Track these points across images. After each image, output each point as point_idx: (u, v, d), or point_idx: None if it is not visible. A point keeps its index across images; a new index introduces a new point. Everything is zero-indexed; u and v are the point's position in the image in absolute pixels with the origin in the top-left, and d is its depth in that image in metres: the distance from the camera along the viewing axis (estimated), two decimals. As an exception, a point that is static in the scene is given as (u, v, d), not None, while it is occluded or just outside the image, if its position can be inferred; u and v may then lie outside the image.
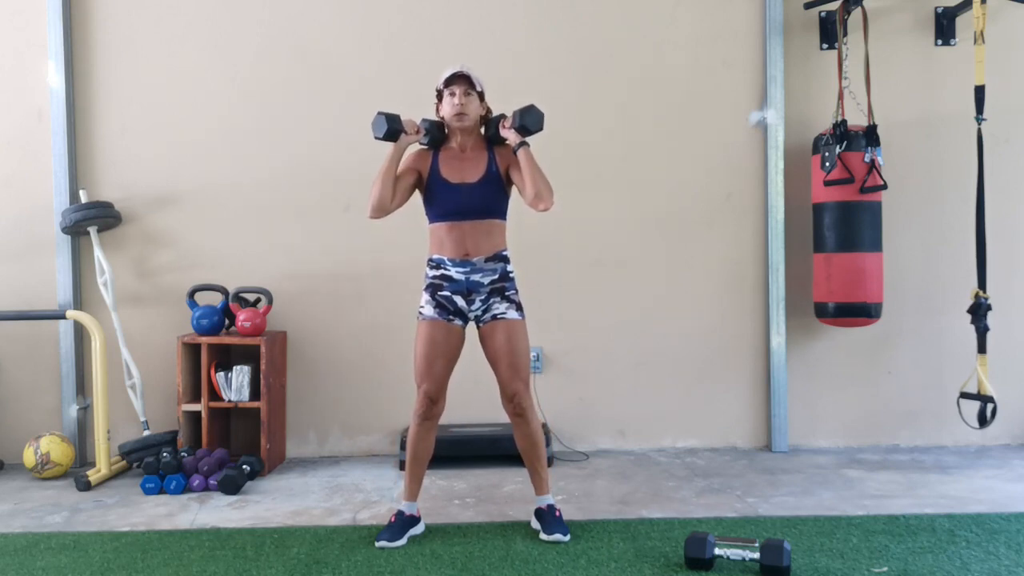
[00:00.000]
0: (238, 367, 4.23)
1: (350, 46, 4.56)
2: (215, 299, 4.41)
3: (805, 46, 4.61)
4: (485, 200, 3.22)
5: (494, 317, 3.22)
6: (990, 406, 4.10)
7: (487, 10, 4.57)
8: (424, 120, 3.27)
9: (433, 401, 3.20)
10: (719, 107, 4.61)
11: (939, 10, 4.58)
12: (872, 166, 4.24)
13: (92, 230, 4.36)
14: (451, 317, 3.24)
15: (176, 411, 4.29)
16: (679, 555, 3.01)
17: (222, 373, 4.23)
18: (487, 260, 3.22)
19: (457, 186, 3.20)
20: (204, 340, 4.25)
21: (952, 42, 4.59)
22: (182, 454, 4.05)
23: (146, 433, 4.34)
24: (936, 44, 4.61)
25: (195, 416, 4.29)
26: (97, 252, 4.34)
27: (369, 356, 4.56)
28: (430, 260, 3.28)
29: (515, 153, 3.19)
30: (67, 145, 4.43)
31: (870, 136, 4.25)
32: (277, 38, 4.55)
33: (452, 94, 3.18)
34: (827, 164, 4.27)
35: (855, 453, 4.50)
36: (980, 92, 4.15)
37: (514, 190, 3.30)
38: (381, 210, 3.19)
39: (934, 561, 2.96)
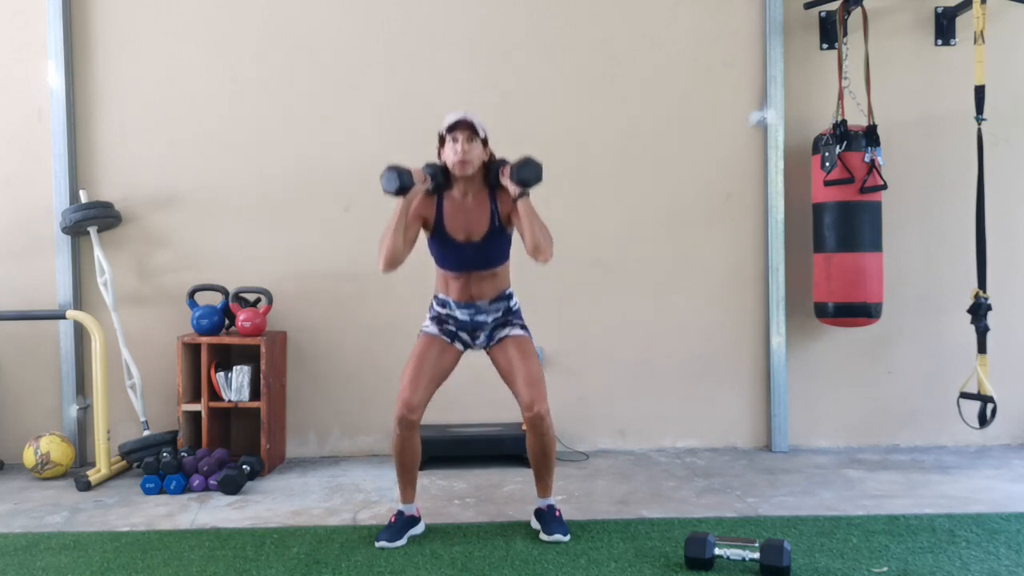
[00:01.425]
0: (238, 367, 4.23)
1: (350, 46, 4.56)
2: (215, 299, 4.41)
3: (805, 46, 4.61)
4: (490, 255, 3.25)
5: (501, 339, 3.26)
6: (990, 406, 4.10)
7: (487, 10, 4.57)
8: (427, 166, 3.23)
9: (411, 410, 3.17)
10: (719, 107, 4.61)
11: (939, 10, 4.58)
12: (872, 166, 4.24)
13: (92, 230, 4.36)
14: (453, 340, 3.28)
15: (176, 411, 4.29)
16: (679, 555, 3.01)
17: (222, 373, 4.23)
18: (491, 302, 3.27)
19: (462, 245, 3.21)
20: (204, 340, 4.25)
21: (952, 42, 4.59)
22: (182, 454, 4.05)
23: (146, 433, 4.34)
24: (936, 44, 4.61)
25: (195, 416, 4.29)
26: (97, 252, 4.34)
27: (369, 356, 4.56)
28: (436, 298, 3.32)
29: (514, 203, 3.17)
30: (67, 145, 4.43)
31: (870, 136, 4.26)
32: (277, 38, 4.55)
33: (455, 140, 3.15)
34: (827, 164, 4.27)
35: (855, 453, 4.50)
36: (980, 92, 4.15)
37: None
38: (394, 264, 3.15)
39: (934, 561, 2.96)
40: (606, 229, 4.60)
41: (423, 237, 3.29)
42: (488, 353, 3.31)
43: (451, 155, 3.16)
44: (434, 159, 3.26)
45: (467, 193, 3.23)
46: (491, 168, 3.23)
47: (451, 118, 3.16)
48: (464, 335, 3.29)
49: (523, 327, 3.30)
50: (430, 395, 3.22)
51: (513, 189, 3.15)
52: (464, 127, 3.14)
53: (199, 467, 4.00)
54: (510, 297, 3.31)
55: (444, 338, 3.27)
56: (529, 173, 3.13)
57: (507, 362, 3.23)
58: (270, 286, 4.41)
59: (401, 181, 3.12)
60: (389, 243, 3.13)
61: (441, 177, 3.22)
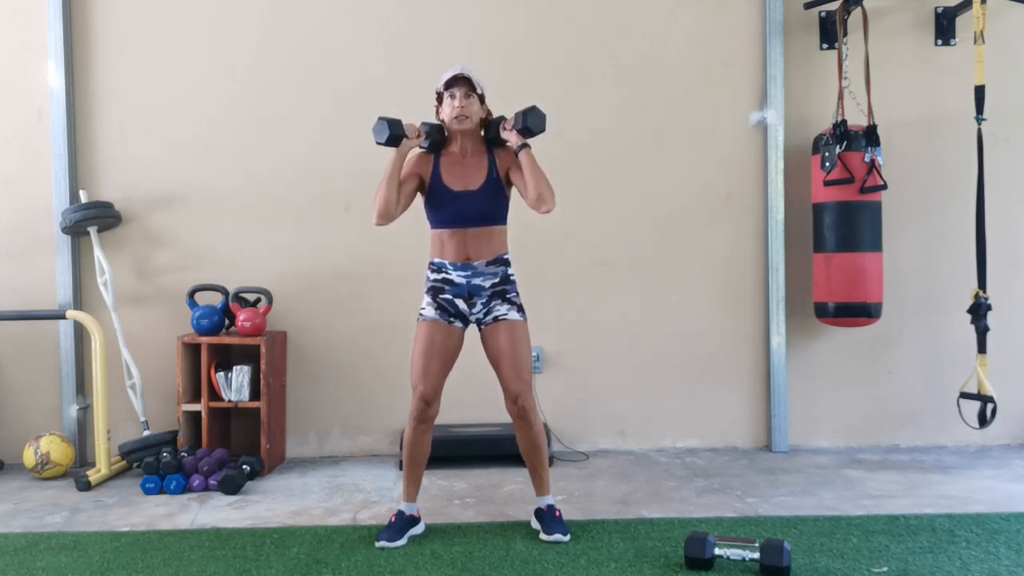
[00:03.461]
0: (238, 367, 4.23)
1: (350, 46, 4.56)
2: (215, 299, 4.41)
3: (805, 46, 4.61)
4: (486, 207, 3.23)
5: (495, 319, 3.23)
6: (990, 406, 4.10)
7: (487, 10, 4.57)
8: (424, 123, 3.26)
9: (428, 403, 3.19)
10: (719, 107, 4.61)
11: (939, 10, 4.58)
12: (872, 166, 4.24)
13: (92, 230, 4.36)
14: (452, 319, 3.25)
15: (176, 411, 4.29)
16: (679, 555, 3.01)
17: (222, 373, 4.23)
18: (488, 264, 3.23)
19: (459, 194, 3.20)
20: (204, 340, 4.25)
21: (952, 42, 4.59)
22: (182, 454, 4.05)
23: (146, 433, 4.34)
24: (936, 44, 4.61)
25: (195, 416, 4.29)
26: (97, 252, 4.34)
27: (369, 356, 4.56)
28: (431, 264, 3.29)
29: (516, 154, 3.18)
30: (67, 145, 4.43)
31: (870, 136, 4.26)
32: (276, 38, 4.55)
33: (452, 96, 3.17)
34: (827, 164, 4.27)
35: (855, 453, 4.50)
36: (980, 92, 4.15)
37: (514, 191, 3.30)
38: (387, 216, 3.17)
39: (934, 561, 2.96)
40: (606, 229, 4.60)
41: (420, 209, 3.28)
42: (481, 332, 3.28)
43: (448, 110, 3.17)
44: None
45: (465, 150, 3.24)
46: (490, 125, 3.24)
47: (448, 74, 3.16)
48: (461, 304, 3.23)
49: (520, 309, 3.26)
50: (443, 382, 3.22)
51: (515, 140, 3.16)
52: (462, 82, 3.14)
53: (199, 467, 4.00)
54: (507, 264, 3.27)
55: (443, 320, 3.24)
56: (534, 120, 3.15)
57: (497, 346, 3.21)
58: (270, 286, 4.41)
59: (392, 130, 3.14)
60: (383, 195, 3.14)
61: (437, 135, 3.23)
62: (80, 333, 4.48)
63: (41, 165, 4.47)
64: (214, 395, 4.25)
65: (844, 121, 4.26)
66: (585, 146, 4.58)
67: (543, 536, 3.22)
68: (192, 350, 4.30)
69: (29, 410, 4.51)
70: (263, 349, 4.20)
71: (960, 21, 4.56)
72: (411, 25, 4.56)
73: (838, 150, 4.23)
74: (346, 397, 4.58)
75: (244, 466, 4.03)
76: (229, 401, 4.24)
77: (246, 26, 4.55)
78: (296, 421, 4.58)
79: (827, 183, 4.29)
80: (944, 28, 4.58)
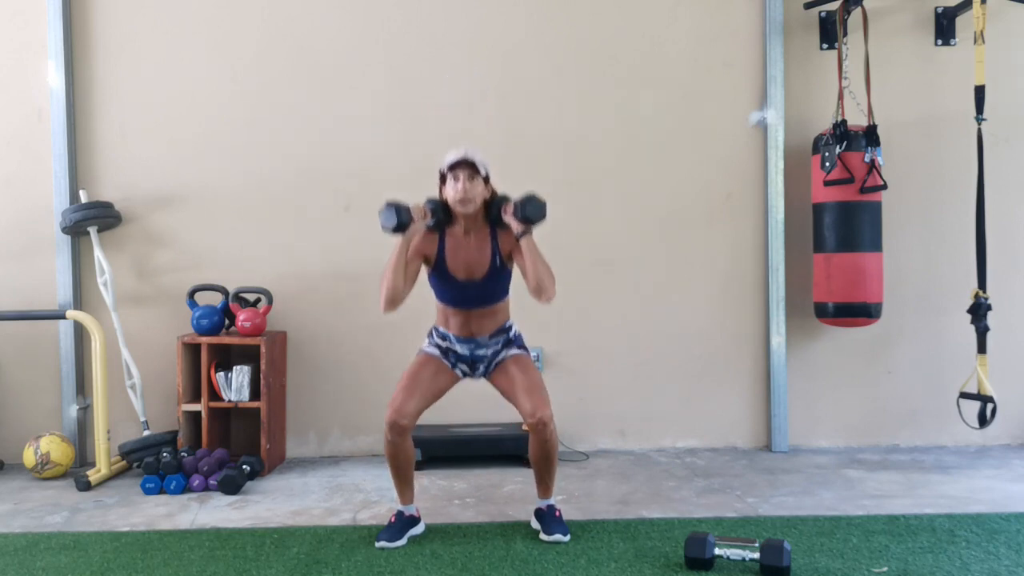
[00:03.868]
0: (238, 367, 4.23)
1: (350, 46, 4.56)
2: (215, 299, 4.41)
3: (805, 46, 4.61)
4: (490, 292, 3.25)
5: (499, 363, 3.28)
6: (990, 406, 4.10)
7: (487, 10, 4.57)
8: (428, 201, 3.20)
9: (402, 416, 3.16)
10: (719, 107, 4.61)
11: (939, 10, 4.58)
12: (872, 166, 4.24)
13: (92, 230, 4.36)
14: (453, 365, 3.30)
15: (176, 411, 4.29)
16: (679, 555, 3.01)
17: (222, 373, 4.23)
18: (492, 336, 3.28)
19: (463, 283, 3.21)
20: (204, 340, 4.25)
21: (952, 42, 4.59)
22: (182, 454, 4.05)
23: (146, 433, 4.34)
24: (936, 44, 4.61)
25: (195, 416, 4.29)
26: (97, 252, 4.34)
27: (369, 356, 4.56)
28: (436, 330, 3.33)
29: (518, 240, 3.16)
30: (67, 145, 4.43)
31: (870, 136, 4.25)
32: (276, 38, 4.55)
33: (456, 178, 3.12)
34: (827, 164, 4.27)
35: (855, 453, 4.50)
36: (980, 92, 4.15)
37: None
38: (395, 303, 3.13)
39: (934, 561, 2.96)
40: (606, 229, 4.60)
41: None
42: (489, 379, 3.33)
43: (452, 193, 3.13)
44: (435, 191, 3.25)
45: (468, 231, 3.21)
46: (493, 205, 3.20)
47: (452, 157, 3.13)
48: (463, 366, 3.31)
49: (521, 347, 3.32)
50: (422, 409, 3.21)
51: (516, 227, 3.13)
52: (465, 166, 3.11)
53: (199, 467, 4.00)
54: (510, 329, 3.32)
55: (444, 361, 3.28)
56: (534, 211, 3.10)
57: (507, 380, 3.24)
58: (270, 286, 4.41)
59: (400, 218, 3.08)
60: (389, 282, 3.10)
61: (442, 213, 3.19)
62: (80, 333, 4.48)
63: (41, 165, 4.47)
64: (214, 395, 4.25)
65: (844, 121, 4.26)
66: (585, 146, 4.58)
67: (543, 536, 3.22)
68: (192, 350, 4.30)
69: (29, 410, 4.51)
70: (263, 349, 4.20)
71: (960, 21, 4.56)
72: (411, 25, 4.56)
73: (838, 150, 4.23)
74: (346, 397, 4.58)
75: (244, 466, 4.03)
76: (229, 401, 4.24)
77: (246, 26, 4.55)
78: (296, 421, 4.58)
79: (827, 183, 4.29)
80: (944, 28, 4.58)
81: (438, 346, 3.31)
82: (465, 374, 3.32)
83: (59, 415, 4.50)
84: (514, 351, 3.29)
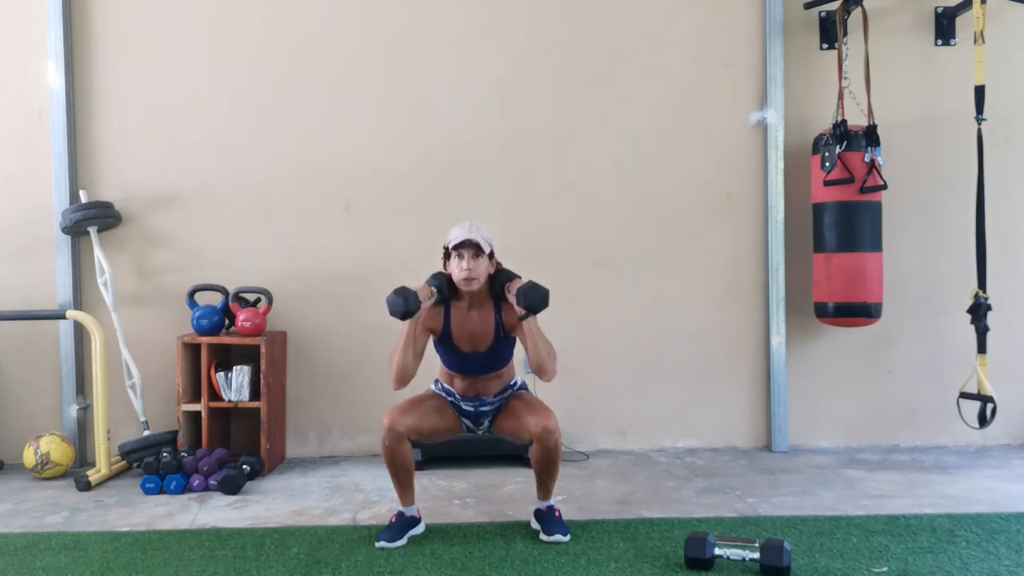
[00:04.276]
0: (238, 367, 4.23)
1: (350, 46, 4.56)
2: (215, 299, 4.41)
3: (805, 46, 4.61)
4: (495, 362, 3.30)
5: (500, 407, 3.34)
6: (990, 406, 4.10)
7: (487, 10, 4.57)
8: (433, 278, 3.22)
9: (398, 423, 3.17)
10: (719, 107, 4.61)
11: (939, 10, 4.58)
12: (872, 166, 4.24)
13: (92, 230, 4.35)
14: (459, 414, 3.35)
15: (176, 411, 4.29)
16: (679, 555, 3.01)
17: (222, 373, 4.23)
18: (496, 395, 3.33)
19: (469, 354, 3.26)
20: (204, 340, 4.25)
21: (952, 42, 4.59)
22: (182, 454, 4.05)
23: (146, 433, 4.34)
24: (936, 44, 4.61)
25: (195, 416, 4.29)
26: (97, 252, 4.34)
27: (369, 356, 4.55)
28: (442, 386, 3.38)
29: (520, 321, 3.16)
30: (67, 145, 4.43)
31: (870, 136, 4.25)
32: (277, 38, 4.55)
33: (460, 256, 3.14)
34: (827, 164, 4.27)
35: (855, 453, 4.50)
36: (980, 92, 4.15)
37: None
38: (405, 381, 3.18)
39: (934, 561, 2.96)
40: (606, 229, 4.60)
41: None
42: (492, 430, 3.38)
43: (457, 271, 3.16)
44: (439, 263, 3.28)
45: (473, 305, 3.24)
46: (497, 280, 3.22)
47: (457, 237, 3.14)
48: (468, 422, 3.37)
49: (523, 387, 3.40)
50: (418, 427, 3.22)
51: (519, 310, 3.14)
52: (470, 245, 3.13)
53: (199, 467, 4.00)
54: (514, 386, 3.38)
55: (452, 410, 3.34)
56: (536, 299, 3.11)
57: (509, 414, 3.29)
58: (270, 286, 4.41)
59: (407, 306, 3.09)
60: (399, 361, 3.15)
61: (447, 290, 3.21)
62: (80, 333, 4.48)
63: (41, 165, 4.47)
64: (214, 395, 4.25)
65: (844, 121, 4.26)
66: (585, 146, 4.58)
67: (543, 536, 3.22)
68: (192, 350, 4.30)
69: (29, 410, 4.51)
70: (263, 349, 4.20)
71: (960, 21, 4.56)
72: (411, 25, 4.56)
73: (838, 150, 4.23)
74: (346, 397, 4.58)
75: (244, 466, 4.03)
76: (229, 401, 4.24)
77: (246, 26, 4.55)
78: (296, 421, 4.58)
79: (827, 183, 4.29)
80: (944, 28, 4.58)
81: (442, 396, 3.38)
82: (469, 429, 3.38)
83: (59, 415, 4.50)
84: (514, 390, 3.37)
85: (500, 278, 3.22)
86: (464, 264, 3.13)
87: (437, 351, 3.34)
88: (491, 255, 3.20)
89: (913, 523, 3.35)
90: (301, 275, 4.56)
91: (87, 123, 4.52)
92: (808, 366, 4.62)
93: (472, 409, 3.33)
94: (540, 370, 3.17)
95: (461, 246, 3.14)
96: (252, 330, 4.24)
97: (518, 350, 3.32)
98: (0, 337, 4.49)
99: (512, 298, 3.15)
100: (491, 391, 3.33)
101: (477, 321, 3.24)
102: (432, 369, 3.42)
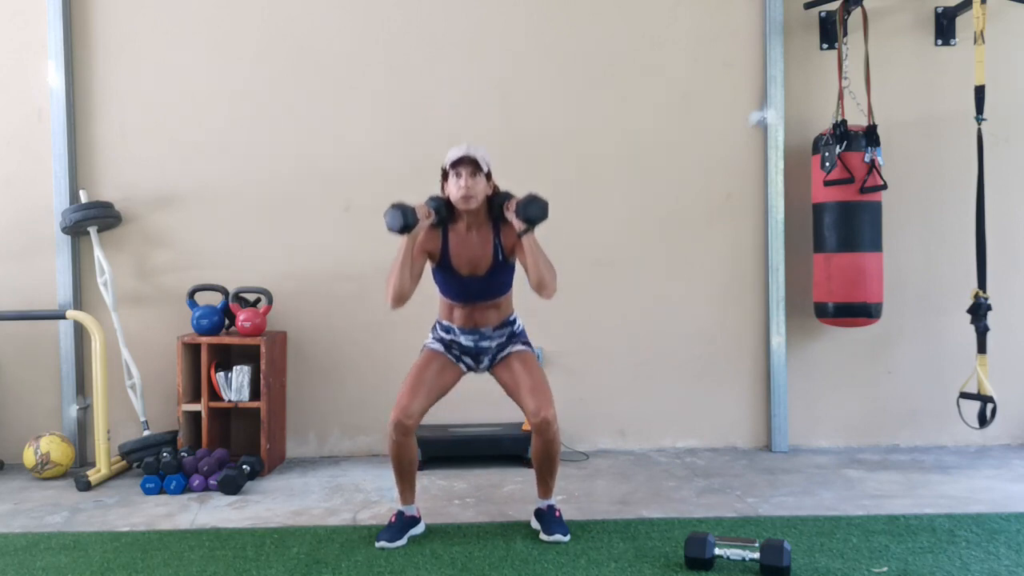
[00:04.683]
0: (238, 367, 4.23)
1: (350, 46, 4.56)
2: (215, 299, 4.41)
3: (805, 46, 4.61)
4: (493, 287, 3.27)
5: (503, 358, 3.28)
6: (990, 406, 4.10)
7: (487, 10, 4.57)
8: (431, 200, 3.22)
9: (407, 416, 3.16)
10: (719, 107, 4.61)
11: (939, 10, 4.58)
12: (872, 166, 4.24)
13: (92, 230, 4.35)
14: (458, 359, 3.31)
15: (176, 411, 4.29)
16: (679, 555, 3.01)
17: (222, 373, 4.23)
18: (496, 328, 3.29)
19: (467, 279, 3.23)
20: (204, 340, 4.25)
21: (952, 42, 4.59)
22: (182, 454, 4.05)
23: (146, 433, 4.34)
24: (936, 44, 4.61)
25: (195, 416, 4.29)
26: (97, 252, 4.34)
27: (369, 356, 4.56)
28: (440, 323, 3.34)
29: (519, 237, 3.17)
30: (67, 145, 4.43)
31: (870, 136, 4.25)
32: (277, 38, 4.55)
33: (458, 175, 3.14)
34: (827, 164, 4.27)
35: (855, 453, 4.50)
36: (980, 92, 4.15)
37: None
38: (401, 300, 3.17)
39: (934, 561, 2.96)
40: (606, 229, 4.60)
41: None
42: (493, 373, 3.33)
43: (455, 190, 3.15)
44: (437, 190, 3.26)
45: (471, 227, 3.23)
46: (495, 201, 3.22)
47: (454, 154, 3.15)
48: (468, 359, 3.32)
49: (527, 343, 3.33)
50: (427, 406, 3.23)
51: (518, 225, 3.14)
52: (467, 163, 3.13)
53: (199, 467, 4.00)
54: (514, 322, 3.34)
55: (448, 356, 3.30)
56: (535, 211, 3.12)
57: (511, 376, 3.25)
58: (270, 286, 4.41)
59: (405, 220, 3.11)
60: (396, 280, 3.14)
61: (445, 211, 3.21)
62: (80, 333, 4.48)
63: (41, 165, 4.47)
64: (214, 395, 4.25)
65: (844, 121, 4.26)
66: (585, 146, 4.58)
67: (543, 536, 3.22)
68: (192, 350, 4.30)
69: (29, 410, 4.51)
70: (263, 349, 4.20)
71: (960, 21, 4.56)
72: (411, 25, 4.56)
73: (838, 150, 4.23)
74: (346, 397, 4.58)
75: (244, 466, 4.03)
76: (229, 401, 4.24)
77: (246, 26, 4.55)
78: (296, 421, 4.58)
79: (827, 183, 4.29)
80: (944, 28, 4.58)
81: (441, 340, 3.32)
82: (469, 368, 3.33)
83: (59, 415, 4.50)
84: (519, 347, 3.30)
85: (498, 199, 3.22)
86: (462, 182, 3.13)
87: (436, 280, 3.30)
88: (488, 175, 3.20)
89: (913, 523, 3.35)
90: (301, 275, 4.56)
91: (87, 123, 4.52)
92: (808, 366, 4.62)
93: (472, 344, 3.28)
94: (540, 286, 3.14)
95: (459, 163, 3.14)
96: (252, 330, 4.24)
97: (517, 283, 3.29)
98: (0, 337, 4.49)
99: (510, 216, 3.15)
100: (490, 322, 3.27)
101: (475, 243, 3.22)
102: (421, 333, 3.41)
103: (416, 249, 3.19)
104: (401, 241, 3.15)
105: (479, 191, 3.16)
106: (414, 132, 4.54)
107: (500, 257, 3.22)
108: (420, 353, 3.32)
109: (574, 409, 4.56)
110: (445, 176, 3.20)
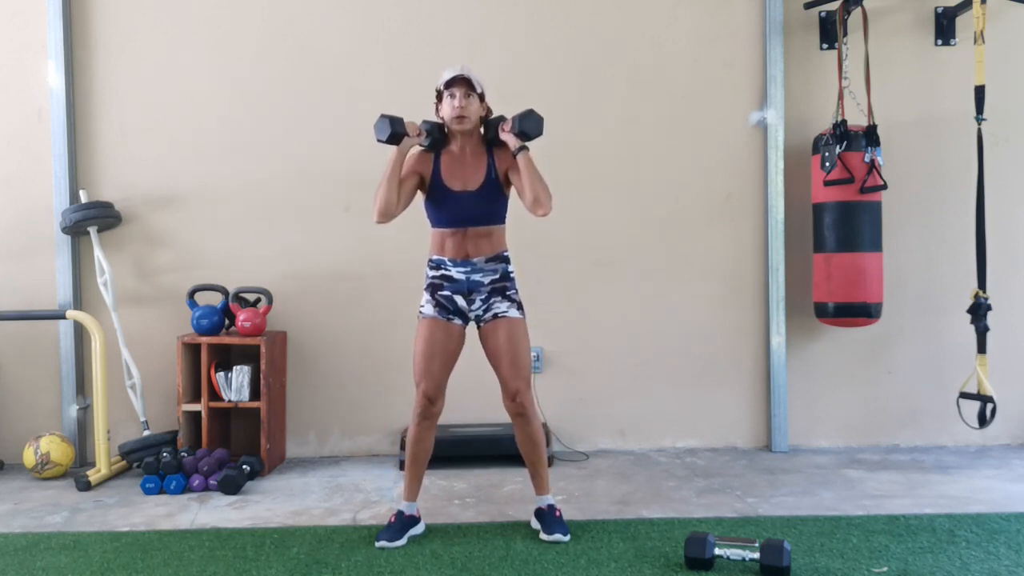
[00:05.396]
0: (238, 367, 4.23)
1: (350, 46, 4.56)
2: (215, 299, 4.41)
3: (805, 46, 4.61)
4: (486, 207, 3.24)
5: (495, 316, 3.23)
6: (990, 406, 4.10)
7: (487, 10, 4.57)
8: (425, 122, 3.26)
9: (431, 401, 3.20)
10: (719, 107, 4.61)
11: (939, 10, 4.58)
12: (872, 166, 4.24)
13: (92, 230, 4.36)
14: (451, 316, 3.25)
15: (176, 411, 4.29)
16: (679, 555, 3.01)
17: (222, 373, 4.23)
18: (488, 260, 3.24)
19: (459, 195, 3.22)
20: (204, 340, 4.25)
21: (952, 42, 4.59)
22: (182, 454, 4.05)
23: (146, 433, 4.34)
24: (936, 44, 4.61)
25: (195, 416, 4.29)
26: (97, 252, 4.34)
27: (369, 356, 4.56)
28: (431, 261, 3.30)
29: (515, 157, 3.19)
30: (67, 145, 4.43)
31: (870, 136, 4.26)
32: (277, 38, 4.56)
33: (452, 96, 3.17)
34: (827, 164, 4.27)
35: (855, 453, 4.50)
36: (980, 92, 4.15)
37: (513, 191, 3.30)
38: (387, 215, 3.18)
39: (934, 561, 2.96)
40: (606, 229, 4.60)
41: (420, 209, 3.29)
42: (480, 330, 3.28)
43: (448, 110, 3.18)
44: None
45: (464, 148, 3.25)
46: (489, 125, 3.25)
47: (448, 74, 3.18)
48: (460, 300, 3.24)
49: (519, 307, 3.27)
50: (446, 378, 3.24)
51: (513, 142, 3.17)
52: (462, 82, 3.16)
53: (199, 467, 4.00)
54: (507, 261, 3.29)
55: (442, 318, 3.25)
56: (531, 124, 3.16)
57: (496, 344, 3.22)
58: (270, 286, 4.41)
59: (393, 128, 3.16)
60: (383, 193, 3.16)
61: (438, 133, 3.24)
62: (80, 333, 4.48)
63: (41, 165, 4.47)
64: (214, 395, 4.25)
65: (844, 121, 4.26)
66: (585, 146, 4.58)
67: (543, 536, 3.22)
68: (192, 350, 4.30)
69: (29, 410, 4.51)
70: (263, 349, 4.20)
71: (960, 21, 4.56)
72: (411, 25, 4.56)
73: (838, 150, 4.23)
74: (346, 397, 4.58)
75: (244, 466, 4.03)
76: (229, 401, 4.24)
77: (246, 26, 4.55)
78: (296, 421, 4.58)
79: (827, 183, 4.29)
80: (944, 28, 4.58)
81: (432, 284, 3.25)
82: (464, 317, 3.27)
83: (59, 415, 4.50)
84: (513, 312, 3.23)
85: (492, 122, 3.25)
86: (456, 102, 3.15)
87: (428, 209, 3.29)
88: (482, 97, 3.22)
89: (913, 523, 3.35)
90: (301, 275, 4.56)
91: (87, 123, 4.52)
92: (808, 366, 4.62)
93: (464, 278, 3.22)
94: (536, 203, 3.13)
95: (452, 83, 3.16)
96: (252, 330, 4.24)
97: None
98: (0, 337, 4.49)
99: (505, 136, 3.18)
100: (482, 251, 3.22)
101: (469, 161, 3.23)
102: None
103: (407, 169, 3.21)
104: (390, 153, 3.17)
105: (473, 111, 3.18)
106: (414, 132, 4.54)
107: (493, 175, 3.23)
108: (418, 324, 3.27)
109: (574, 409, 4.57)
110: (439, 98, 3.23)
